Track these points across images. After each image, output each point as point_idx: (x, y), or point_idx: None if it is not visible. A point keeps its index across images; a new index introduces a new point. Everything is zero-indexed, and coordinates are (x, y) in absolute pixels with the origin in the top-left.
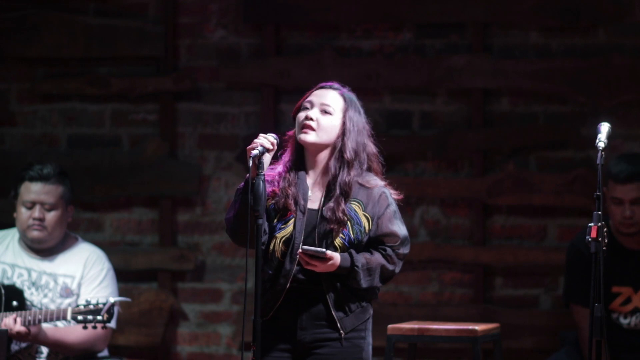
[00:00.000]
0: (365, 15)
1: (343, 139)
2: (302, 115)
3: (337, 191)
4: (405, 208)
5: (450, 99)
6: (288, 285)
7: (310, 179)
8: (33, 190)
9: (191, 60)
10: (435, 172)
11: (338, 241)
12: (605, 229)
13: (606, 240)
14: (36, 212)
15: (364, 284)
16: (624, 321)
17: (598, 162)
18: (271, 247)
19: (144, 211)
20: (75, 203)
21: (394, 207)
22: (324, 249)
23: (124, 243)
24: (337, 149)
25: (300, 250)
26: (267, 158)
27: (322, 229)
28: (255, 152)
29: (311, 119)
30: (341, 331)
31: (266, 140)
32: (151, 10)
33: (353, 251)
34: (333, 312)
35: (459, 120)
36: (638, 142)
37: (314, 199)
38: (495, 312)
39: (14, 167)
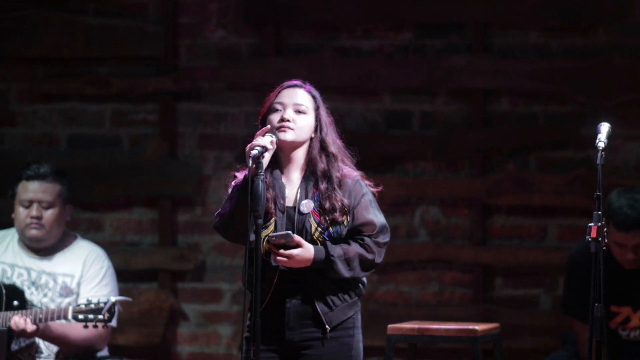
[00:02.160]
0: (365, 15)
1: (321, 135)
2: (275, 116)
3: (333, 185)
4: (405, 208)
5: (450, 99)
6: (274, 284)
7: (284, 177)
8: (30, 188)
9: (191, 60)
10: (435, 172)
11: (318, 236)
12: (604, 246)
13: (604, 247)
14: (34, 211)
15: (345, 274)
16: (622, 333)
17: (598, 162)
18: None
19: (144, 211)
20: (75, 203)
21: (369, 196)
22: (289, 231)
23: (124, 243)
24: (317, 144)
25: (269, 241)
26: (266, 158)
27: (301, 224)
28: (254, 152)
29: (288, 120)
30: (326, 326)
31: (265, 140)
32: (151, 10)
33: (328, 242)
34: (318, 308)
35: (459, 120)
36: (638, 142)
37: (290, 197)
38: (495, 312)
39: (14, 167)
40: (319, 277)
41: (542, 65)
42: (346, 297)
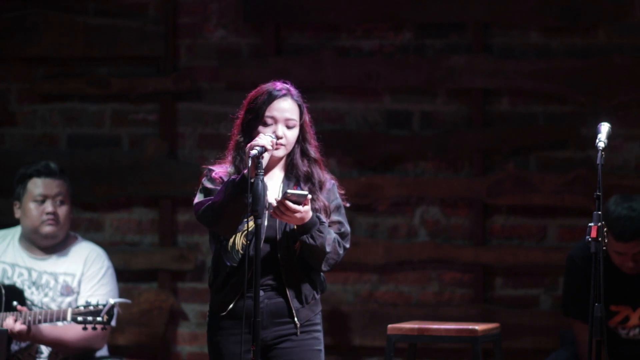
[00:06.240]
0: (365, 15)
1: (303, 143)
2: (267, 131)
3: (315, 187)
4: (405, 208)
5: (450, 99)
6: (247, 278)
7: (266, 177)
8: (43, 184)
9: (191, 60)
10: (435, 172)
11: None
12: (604, 247)
13: (604, 247)
14: (49, 207)
15: (327, 246)
16: (622, 332)
17: (598, 162)
18: (231, 241)
19: (144, 211)
20: (75, 203)
21: (339, 201)
22: (306, 192)
23: (124, 243)
24: (299, 151)
25: (284, 195)
26: (266, 158)
27: (283, 221)
28: (254, 152)
29: (280, 138)
30: (297, 322)
31: (265, 140)
32: (151, 10)
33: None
34: (291, 304)
35: (459, 120)
36: (638, 142)
37: (272, 194)
38: (495, 312)
39: (14, 167)
40: (292, 268)
41: (542, 65)
42: (314, 293)
